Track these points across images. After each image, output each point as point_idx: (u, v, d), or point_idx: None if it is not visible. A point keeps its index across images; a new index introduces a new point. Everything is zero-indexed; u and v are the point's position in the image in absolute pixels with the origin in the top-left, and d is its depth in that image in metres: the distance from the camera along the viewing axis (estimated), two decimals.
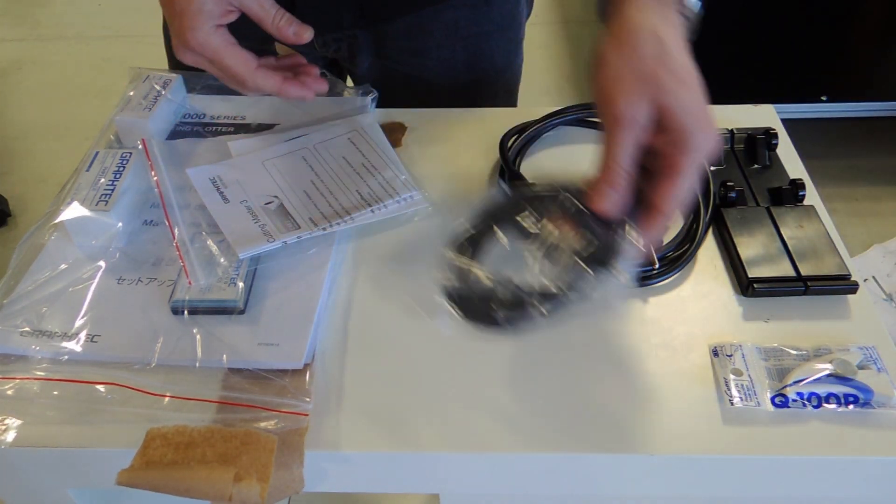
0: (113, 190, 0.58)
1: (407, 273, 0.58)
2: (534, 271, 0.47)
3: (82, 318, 0.53)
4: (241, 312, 0.53)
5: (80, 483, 0.52)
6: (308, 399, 0.48)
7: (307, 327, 0.52)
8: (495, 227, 0.49)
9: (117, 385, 0.49)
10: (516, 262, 0.48)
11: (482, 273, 0.48)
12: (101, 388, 0.49)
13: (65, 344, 0.51)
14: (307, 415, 0.48)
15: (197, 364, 0.50)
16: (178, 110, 0.71)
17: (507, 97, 0.88)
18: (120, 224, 0.58)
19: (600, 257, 0.46)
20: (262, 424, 0.47)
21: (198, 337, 0.51)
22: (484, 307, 0.46)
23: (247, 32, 0.78)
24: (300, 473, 0.46)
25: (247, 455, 0.45)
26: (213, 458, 0.45)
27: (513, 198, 0.50)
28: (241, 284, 0.54)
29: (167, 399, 0.49)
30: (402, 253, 0.60)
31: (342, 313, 0.55)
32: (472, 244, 0.49)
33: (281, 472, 0.46)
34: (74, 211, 0.57)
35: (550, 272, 0.47)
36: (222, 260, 0.55)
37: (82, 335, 0.52)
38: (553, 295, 0.46)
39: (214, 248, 0.57)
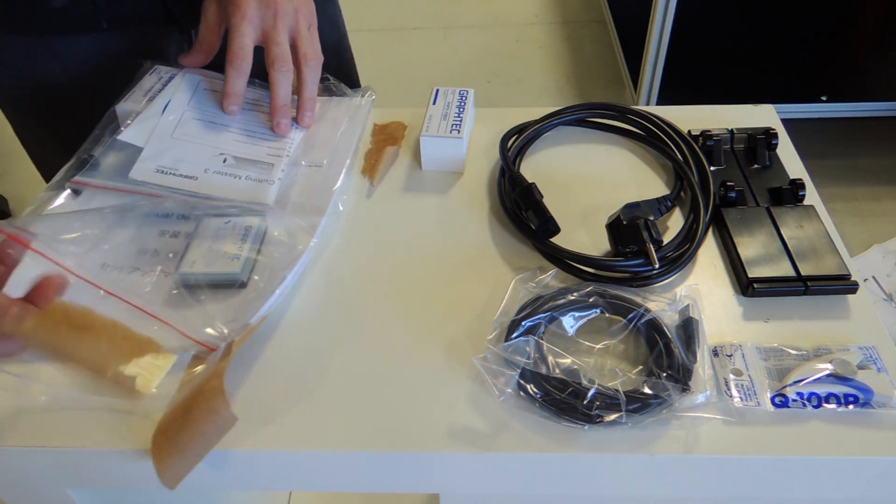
0: None
1: (391, 276, 0.58)
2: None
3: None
4: (243, 285, 0.54)
5: (80, 483, 0.52)
6: (226, 336, 0.48)
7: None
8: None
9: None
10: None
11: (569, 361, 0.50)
12: None
13: None
14: (216, 349, 0.47)
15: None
16: None
17: None
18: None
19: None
20: (171, 341, 0.47)
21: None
22: (570, 399, 0.47)
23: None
24: (229, 413, 0.44)
25: (140, 360, 0.44)
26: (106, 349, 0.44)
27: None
28: (244, 257, 0.54)
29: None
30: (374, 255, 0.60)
31: (333, 302, 0.55)
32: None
33: (211, 417, 0.44)
34: None
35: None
36: (227, 239, 0.56)
37: None
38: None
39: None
